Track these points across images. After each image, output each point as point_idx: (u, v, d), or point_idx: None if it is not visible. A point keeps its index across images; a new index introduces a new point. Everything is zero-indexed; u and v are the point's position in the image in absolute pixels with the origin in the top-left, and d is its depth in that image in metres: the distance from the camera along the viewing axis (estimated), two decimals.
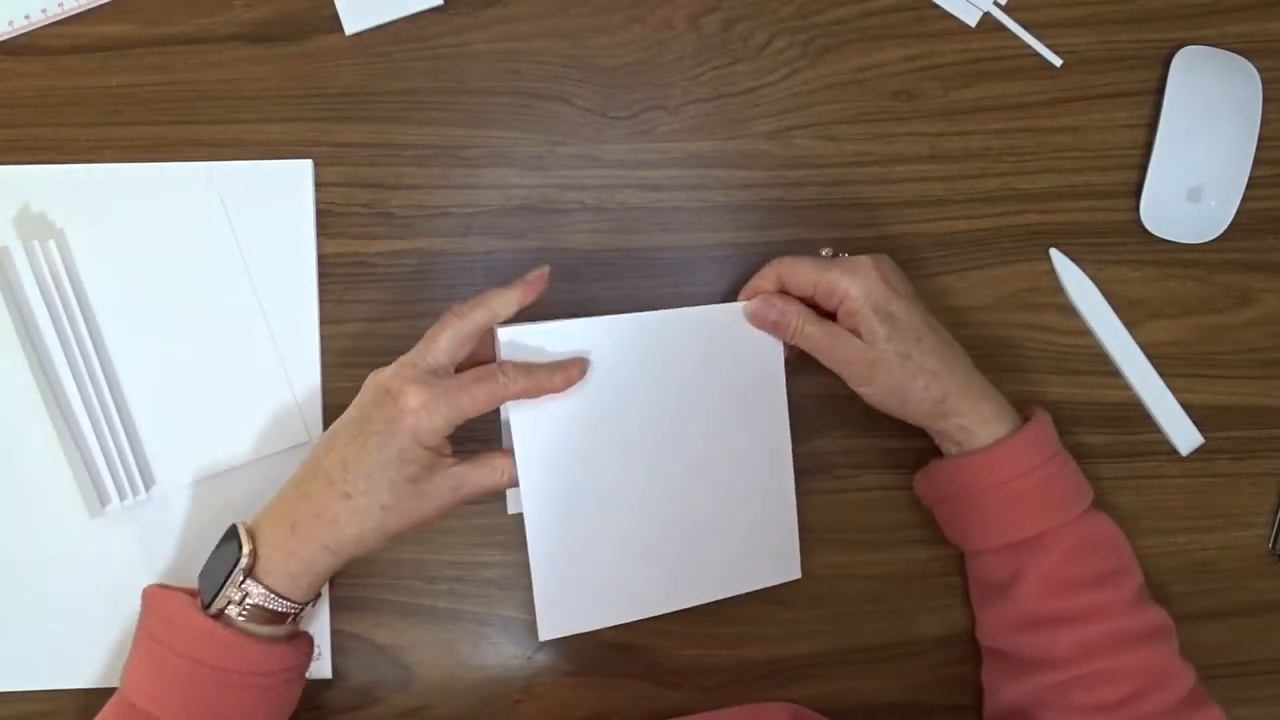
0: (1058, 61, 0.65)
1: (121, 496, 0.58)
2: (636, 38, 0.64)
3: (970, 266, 0.64)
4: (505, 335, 0.53)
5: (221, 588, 0.50)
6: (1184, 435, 0.65)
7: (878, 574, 0.63)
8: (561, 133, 0.63)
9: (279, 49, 0.62)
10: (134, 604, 0.54)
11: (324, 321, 0.62)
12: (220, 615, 0.51)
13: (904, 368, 0.54)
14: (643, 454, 0.55)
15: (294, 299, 0.61)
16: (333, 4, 0.62)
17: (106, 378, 0.59)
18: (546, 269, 0.54)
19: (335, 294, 0.62)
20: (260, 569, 0.51)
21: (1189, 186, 0.64)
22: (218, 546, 0.53)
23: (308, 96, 0.62)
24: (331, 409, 0.61)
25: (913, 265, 0.64)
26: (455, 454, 0.52)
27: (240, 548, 0.51)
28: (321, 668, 0.60)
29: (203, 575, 0.53)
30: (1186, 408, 0.65)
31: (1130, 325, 0.64)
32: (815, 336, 0.55)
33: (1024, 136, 0.65)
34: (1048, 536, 0.54)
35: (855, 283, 0.54)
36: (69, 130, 0.61)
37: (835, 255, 0.57)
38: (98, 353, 0.59)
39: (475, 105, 0.63)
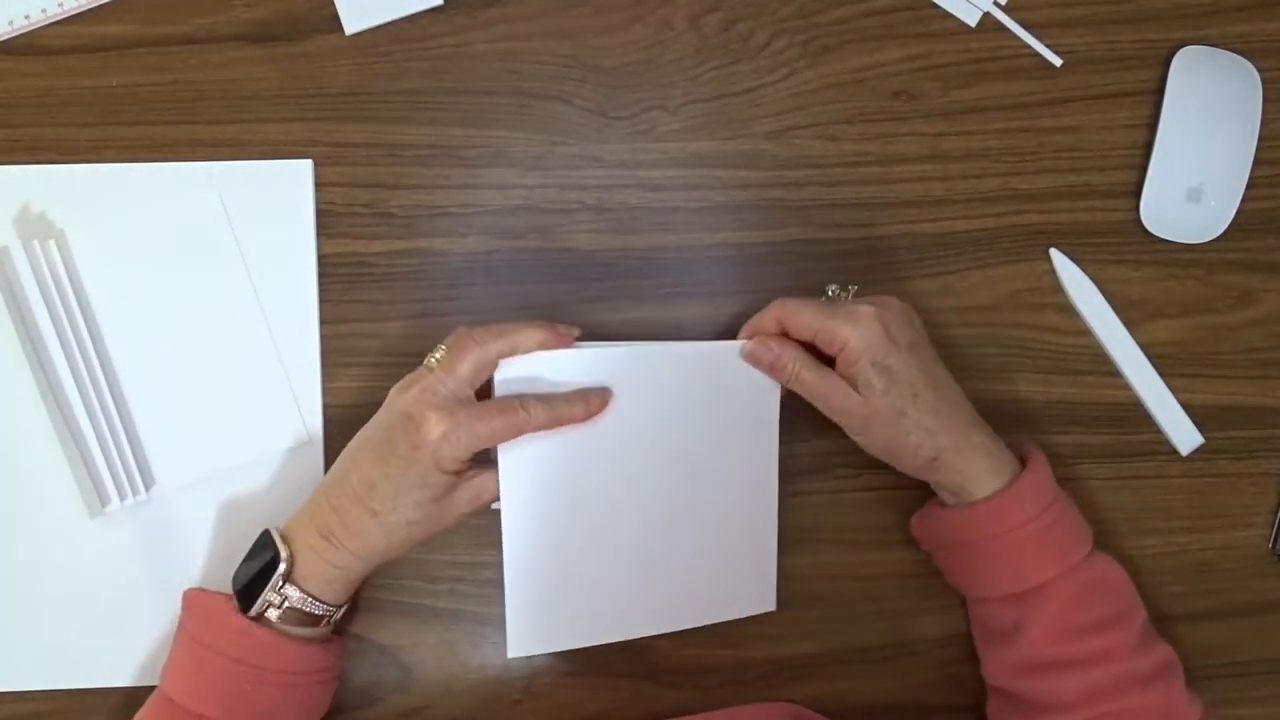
0: (1058, 61, 0.65)
1: (121, 496, 0.58)
2: (636, 38, 0.64)
3: (970, 266, 0.64)
4: (500, 372, 0.53)
5: (261, 591, 0.52)
6: (1184, 435, 0.65)
7: (878, 574, 0.63)
8: (561, 133, 0.63)
9: (279, 49, 0.62)
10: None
11: (324, 321, 0.62)
12: (260, 618, 0.52)
13: (898, 424, 0.54)
14: (628, 482, 0.55)
15: (294, 299, 0.61)
16: (333, 4, 0.62)
17: (106, 378, 0.59)
18: (577, 330, 0.54)
19: (335, 294, 0.62)
20: (298, 574, 0.53)
21: (1189, 186, 0.64)
22: (252, 551, 0.54)
23: (308, 96, 0.62)
24: (331, 409, 0.61)
25: (913, 265, 0.64)
26: (475, 463, 0.53)
27: (278, 553, 0.52)
28: None
29: (237, 578, 0.54)
30: (1186, 408, 0.65)
31: (1130, 325, 0.64)
32: (811, 384, 0.55)
33: (1024, 136, 0.65)
34: (1050, 586, 0.54)
35: (855, 333, 0.53)
36: (69, 130, 0.61)
37: (843, 289, 0.57)
38: (98, 353, 0.59)
39: (475, 105, 0.63)
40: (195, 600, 0.54)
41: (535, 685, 0.61)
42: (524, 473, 0.53)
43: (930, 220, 0.64)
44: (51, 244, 0.59)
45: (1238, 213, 0.64)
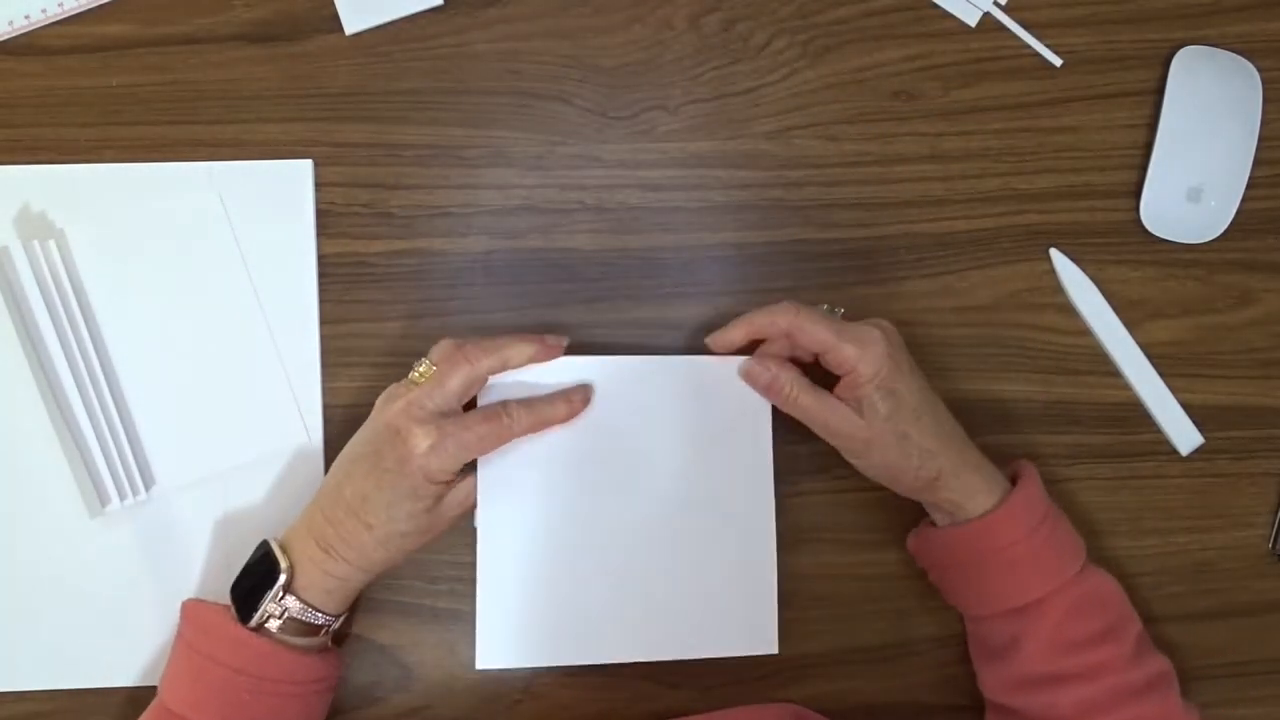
0: (1058, 61, 0.65)
1: (121, 496, 0.58)
2: (636, 38, 0.64)
3: (970, 266, 0.64)
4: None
5: (261, 601, 0.52)
6: (1184, 435, 0.65)
7: (878, 574, 0.63)
8: (561, 133, 0.63)
9: (279, 49, 0.62)
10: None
11: (324, 321, 0.62)
12: (259, 628, 0.53)
13: (900, 447, 0.54)
14: (612, 498, 0.55)
15: (294, 299, 0.61)
16: (333, 4, 0.62)
17: (106, 378, 0.59)
18: (565, 340, 0.55)
19: (335, 294, 0.62)
20: (298, 584, 0.53)
21: (1189, 186, 0.64)
22: (250, 561, 0.54)
23: (308, 96, 0.62)
24: (331, 409, 0.61)
25: (913, 265, 0.64)
26: (464, 469, 0.53)
27: (278, 564, 0.52)
28: None
29: (235, 588, 0.54)
30: (1186, 408, 0.64)
31: (1130, 325, 0.64)
32: (809, 408, 0.55)
33: (1024, 136, 0.65)
34: (1047, 601, 0.54)
35: (865, 359, 0.53)
36: (69, 130, 0.61)
37: (831, 310, 0.57)
38: (98, 353, 0.59)
39: (475, 105, 0.63)
40: (194, 610, 0.54)
41: (535, 685, 0.61)
42: (502, 484, 0.53)
43: (930, 220, 0.64)
44: (51, 244, 0.59)
45: (1238, 213, 0.64)
